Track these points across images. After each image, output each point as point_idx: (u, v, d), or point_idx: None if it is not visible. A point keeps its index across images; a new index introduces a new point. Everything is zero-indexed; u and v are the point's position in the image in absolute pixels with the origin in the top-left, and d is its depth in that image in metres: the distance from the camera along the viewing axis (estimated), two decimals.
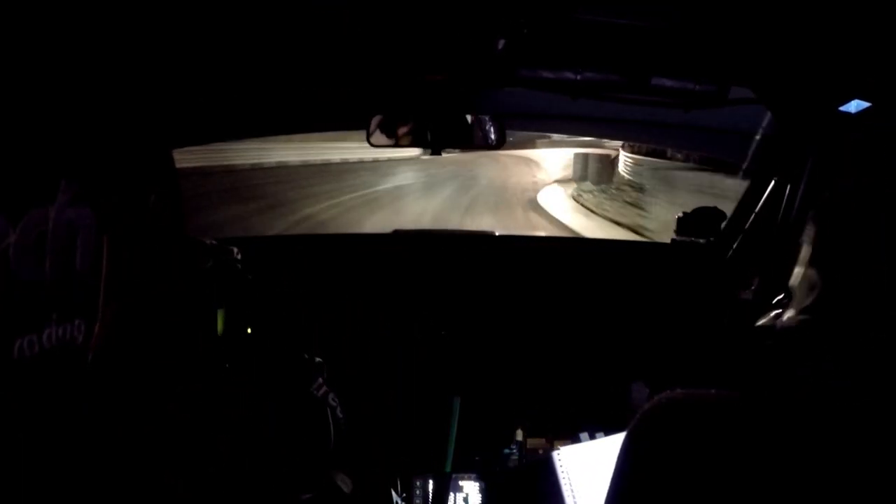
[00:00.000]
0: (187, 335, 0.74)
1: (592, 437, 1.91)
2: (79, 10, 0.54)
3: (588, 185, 17.61)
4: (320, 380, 1.31)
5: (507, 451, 2.08)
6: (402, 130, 1.97)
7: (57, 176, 0.49)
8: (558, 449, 1.75)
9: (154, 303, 0.62)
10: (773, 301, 0.78)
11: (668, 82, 1.50)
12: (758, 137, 1.93)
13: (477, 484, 2.00)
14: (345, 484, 1.51)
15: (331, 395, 1.32)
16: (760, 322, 0.79)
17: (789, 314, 0.71)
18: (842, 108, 1.46)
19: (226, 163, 12.95)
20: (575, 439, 1.89)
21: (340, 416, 1.32)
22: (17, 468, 0.50)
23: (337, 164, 17.72)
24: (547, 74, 1.52)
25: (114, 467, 0.59)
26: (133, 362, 0.60)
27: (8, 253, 0.46)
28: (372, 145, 1.99)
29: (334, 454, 1.27)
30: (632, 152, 16.78)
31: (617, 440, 0.81)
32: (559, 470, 1.72)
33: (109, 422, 0.58)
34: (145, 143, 0.61)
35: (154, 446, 0.67)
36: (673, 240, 2.21)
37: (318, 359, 1.29)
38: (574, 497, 1.68)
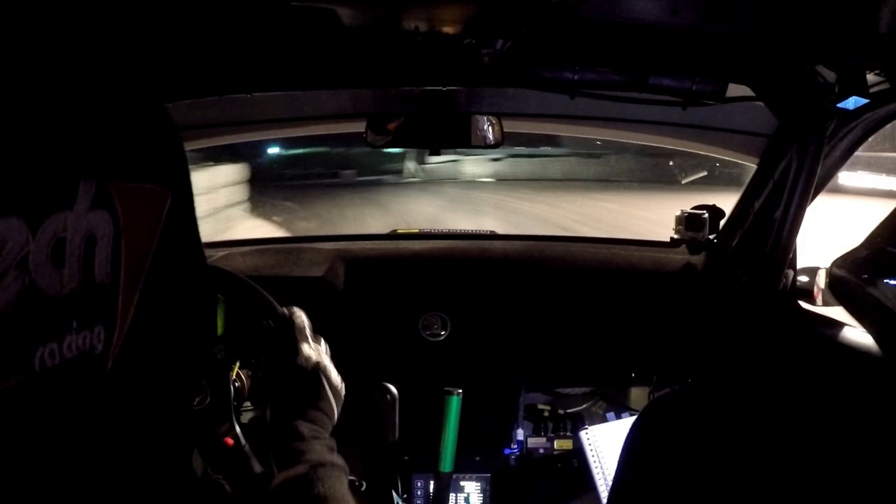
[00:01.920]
0: (194, 337, 0.73)
1: (619, 416, 1.91)
2: (95, 10, 0.54)
3: None
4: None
5: (507, 450, 2.08)
6: (400, 130, 1.97)
7: (75, 181, 0.48)
8: (587, 428, 1.76)
9: (170, 307, 0.62)
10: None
11: (666, 80, 1.50)
12: (756, 135, 1.93)
13: (478, 484, 2.01)
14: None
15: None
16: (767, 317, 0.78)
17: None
18: (840, 105, 1.46)
19: None
20: (601, 420, 1.89)
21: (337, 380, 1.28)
22: (39, 478, 0.49)
23: None
24: (545, 74, 1.52)
25: (128, 471, 0.59)
26: (151, 368, 0.60)
27: (28, 260, 0.46)
28: (370, 146, 1.99)
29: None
30: None
31: None
32: (588, 448, 1.73)
33: (127, 428, 0.58)
34: (161, 146, 0.61)
35: (161, 449, 0.67)
36: (673, 238, 2.21)
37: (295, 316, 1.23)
38: (604, 473, 1.69)
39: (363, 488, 1.49)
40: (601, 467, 1.72)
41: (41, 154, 0.45)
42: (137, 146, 0.56)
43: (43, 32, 0.47)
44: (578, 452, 1.74)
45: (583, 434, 1.76)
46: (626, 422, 1.83)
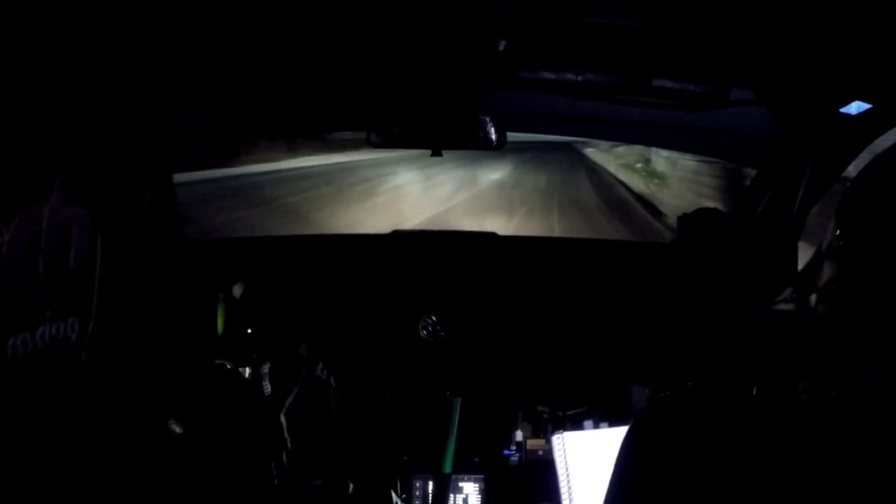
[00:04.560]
0: (183, 332, 0.73)
1: (597, 426, 1.90)
2: (74, 10, 0.54)
3: None
4: (321, 364, 1.31)
5: (507, 452, 2.07)
6: (403, 131, 1.96)
7: (51, 175, 0.49)
8: (560, 433, 1.73)
9: (148, 301, 0.62)
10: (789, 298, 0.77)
11: (669, 83, 1.50)
12: (758, 139, 1.93)
13: (476, 484, 2.00)
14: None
15: (332, 378, 1.31)
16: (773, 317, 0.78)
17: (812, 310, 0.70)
18: (842, 110, 1.46)
19: None
20: (578, 427, 1.88)
21: (334, 385, 1.33)
22: (13, 465, 0.50)
23: None
24: (548, 75, 1.52)
25: (110, 463, 0.59)
26: (128, 359, 0.60)
27: (1, 251, 0.46)
28: (372, 146, 1.99)
29: (335, 421, 1.27)
30: None
31: (620, 432, 0.81)
32: (557, 453, 1.71)
33: (104, 418, 0.58)
34: (140, 144, 0.61)
35: (152, 444, 0.67)
36: (673, 240, 2.21)
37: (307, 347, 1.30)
38: (569, 482, 1.68)
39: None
40: (567, 474, 1.70)
41: (13, 150, 0.45)
42: (119, 144, 0.56)
43: (28, 33, 0.47)
44: (548, 456, 1.72)
45: (555, 439, 1.74)
46: (602, 432, 1.82)
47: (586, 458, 1.71)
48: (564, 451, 1.72)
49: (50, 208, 0.48)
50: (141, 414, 0.67)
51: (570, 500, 1.66)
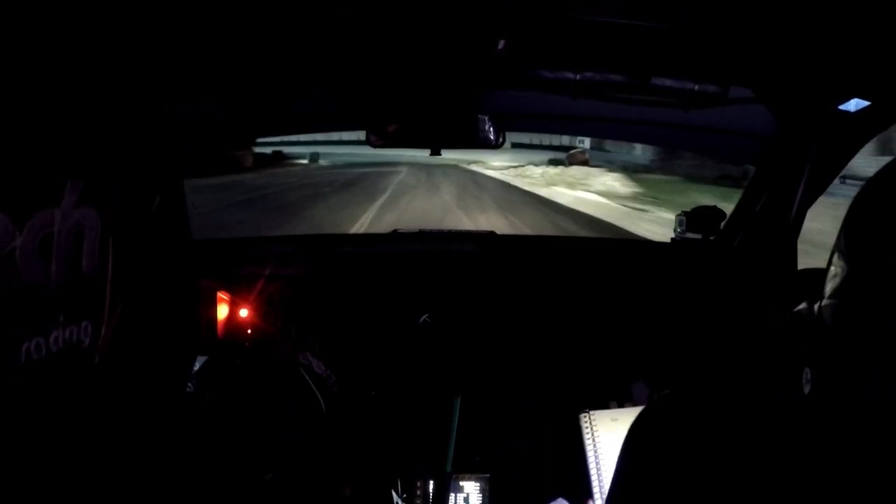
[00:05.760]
0: (189, 336, 0.73)
1: (621, 405, 1.87)
2: (84, 9, 0.54)
3: None
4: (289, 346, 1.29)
5: (507, 450, 2.08)
6: (402, 130, 1.97)
7: (62, 177, 0.49)
8: (588, 412, 1.68)
9: (159, 304, 0.62)
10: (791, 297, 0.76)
11: (668, 82, 1.51)
12: (757, 137, 1.93)
13: (477, 484, 2.00)
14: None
15: (300, 355, 1.29)
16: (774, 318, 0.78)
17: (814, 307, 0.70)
18: (841, 107, 1.46)
19: None
20: (604, 406, 1.84)
21: (319, 371, 1.30)
22: (26, 470, 0.50)
23: None
24: (547, 74, 1.52)
25: (120, 468, 0.59)
26: (139, 363, 0.60)
27: (14, 255, 0.46)
28: (371, 145, 1.99)
29: (331, 420, 1.25)
30: None
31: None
32: (585, 433, 1.66)
33: (116, 423, 0.58)
34: (149, 146, 0.61)
35: (157, 446, 0.67)
36: (673, 239, 2.22)
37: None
38: (597, 459, 1.63)
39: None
40: (595, 454, 1.64)
41: (25, 153, 0.45)
42: (128, 146, 0.56)
43: (37, 36, 0.47)
44: (574, 437, 1.66)
45: (582, 417, 1.69)
46: (630, 410, 1.77)
47: (614, 433, 1.63)
48: (593, 431, 1.65)
49: (62, 211, 0.48)
50: (152, 417, 0.67)
51: (600, 481, 1.62)
